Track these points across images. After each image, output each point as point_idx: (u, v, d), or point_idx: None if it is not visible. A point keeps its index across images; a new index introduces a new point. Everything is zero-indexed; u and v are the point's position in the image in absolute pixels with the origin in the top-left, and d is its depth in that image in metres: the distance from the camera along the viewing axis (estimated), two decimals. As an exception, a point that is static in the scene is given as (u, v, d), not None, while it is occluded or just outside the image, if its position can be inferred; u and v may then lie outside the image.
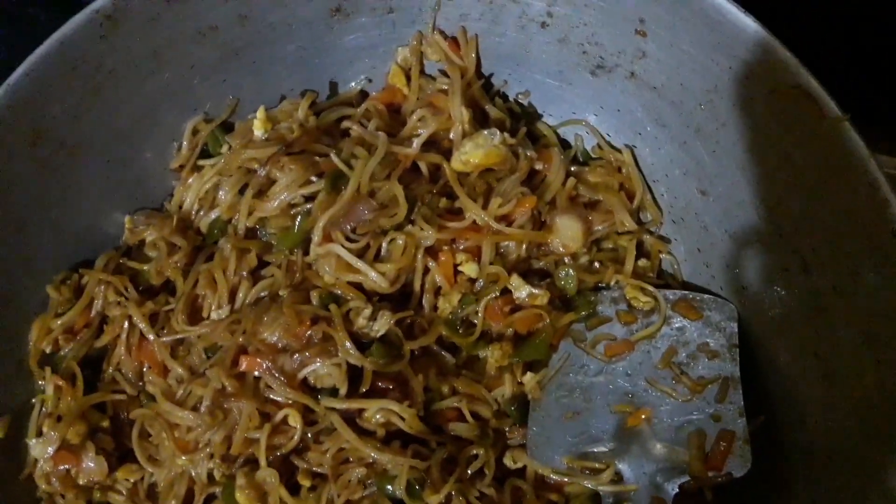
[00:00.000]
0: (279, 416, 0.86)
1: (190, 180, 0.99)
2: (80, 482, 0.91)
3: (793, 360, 0.87)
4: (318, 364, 0.86)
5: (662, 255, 1.00)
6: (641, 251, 1.00)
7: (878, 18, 1.17)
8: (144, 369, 0.95)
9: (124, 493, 0.93)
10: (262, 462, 0.84)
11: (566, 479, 0.89)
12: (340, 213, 0.88)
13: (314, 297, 0.89)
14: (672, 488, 0.85)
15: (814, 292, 0.83)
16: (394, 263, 0.88)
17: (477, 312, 0.93)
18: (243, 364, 0.86)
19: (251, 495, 0.84)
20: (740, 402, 0.88)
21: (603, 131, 1.01)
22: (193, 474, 0.89)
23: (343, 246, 0.88)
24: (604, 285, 0.98)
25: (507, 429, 0.94)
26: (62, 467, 0.89)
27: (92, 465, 0.90)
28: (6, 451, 0.91)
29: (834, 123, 0.77)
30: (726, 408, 0.88)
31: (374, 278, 0.88)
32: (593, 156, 1.03)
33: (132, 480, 0.93)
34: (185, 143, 1.00)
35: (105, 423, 0.93)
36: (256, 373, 0.87)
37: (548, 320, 0.93)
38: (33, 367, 0.93)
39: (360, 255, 0.89)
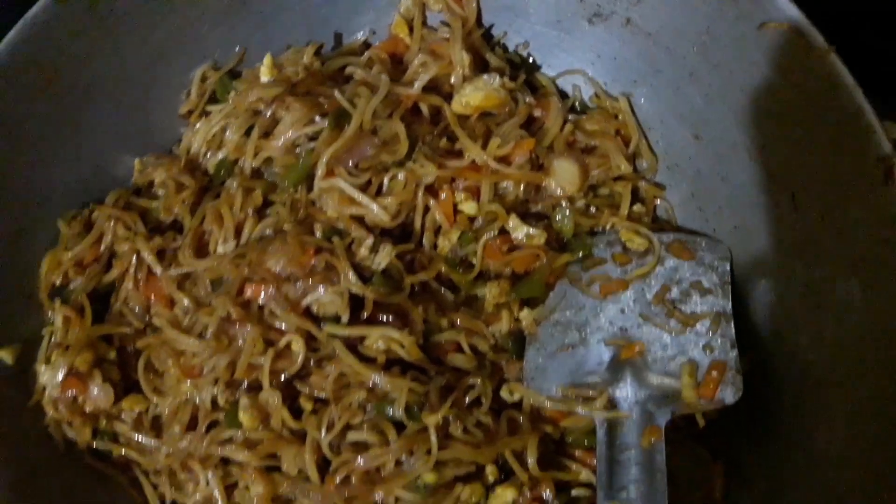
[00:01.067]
0: (283, 342, 0.88)
1: (198, 125, 1.03)
2: (87, 409, 0.93)
3: (783, 296, 0.89)
4: (321, 292, 0.88)
5: (657, 201, 1.03)
6: (637, 197, 1.03)
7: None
8: (151, 304, 0.98)
9: (129, 422, 0.95)
10: (266, 384, 0.87)
11: (561, 408, 0.90)
12: (343, 148, 0.91)
13: (318, 229, 0.92)
14: (664, 416, 0.87)
15: (803, 226, 0.86)
16: (395, 197, 0.91)
17: (476, 252, 0.96)
18: (248, 291, 0.89)
19: (254, 415, 0.87)
20: (732, 335, 0.90)
21: (600, 81, 1.04)
22: (197, 401, 0.92)
23: (345, 181, 0.91)
24: (599, 229, 1.01)
25: (503, 363, 0.96)
26: (70, 393, 0.92)
27: (98, 392, 0.93)
28: (15, 380, 0.93)
29: (820, 55, 0.79)
30: (718, 340, 0.90)
31: (376, 211, 0.91)
32: (591, 105, 1.05)
33: (136, 411, 0.95)
34: (193, 89, 1.04)
35: (111, 355, 0.96)
36: (261, 301, 0.89)
37: (544, 260, 0.96)
38: (43, 300, 0.96)
39: (363, 190, 0.92)
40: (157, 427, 0.96)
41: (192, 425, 0.92)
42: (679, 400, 0.88)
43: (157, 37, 0.99)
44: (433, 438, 0.85)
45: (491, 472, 0.89)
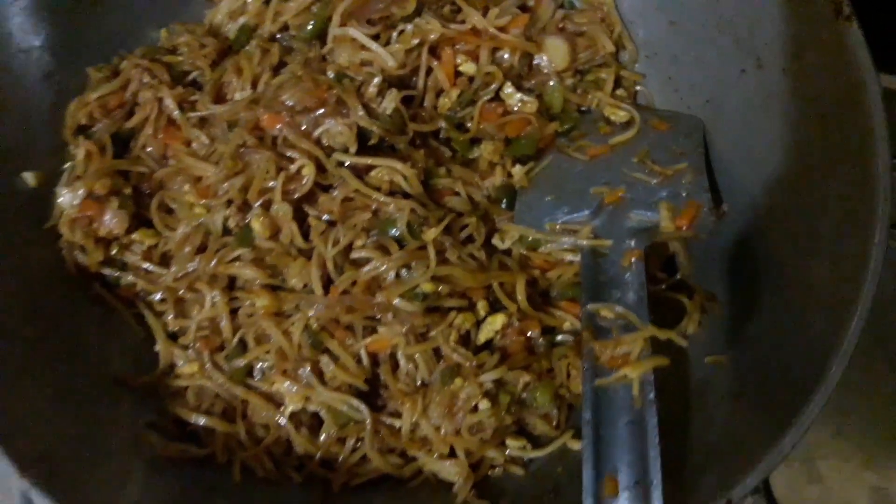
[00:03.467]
0: (294, 166, 0.95)
1: (223, 3, 1.12)
2: (100, 234, 0.98)
3: (751, 149, 0.98)
4: (332, 123, 0.96)
5: (638, 87, 1.13)
6: (619, 85, 1.13)
7: None
8: (168, 152, 1.04)
9: (138, 254, 1.00)
10: (277, 198, 0.93)
11: (549, 240, 0.98)
12: (357, 3, 1.00)
13: (330, 71, 1.00)
14: (644, 243, 0.94)
15: (768, 84, 0.95)
16: (402, 44, 1.01)
17: (472, 115, 1.05)
18: (264, 118, 0.96)
19: (265, 223, 0.93)
20: (706, 182, 0.99)
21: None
22: (209, 225, 0.97)
23: (357, 30, 1.00)
24: (585, 108, 1.11)
25: (495, 215, 1.03)
26: (86, 214, 0.97)
27: (113, 218, 0.98)
28: (35, 204, 0.99)
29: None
30: (693, 186, 0.98)
31: (384, 56, 1.00)
32: (577, 5, 1.17)
33: (147, 244, 1.00)
34: (219, -30, 1.14)
35: (127, 191, 1.01)
36: (275, 131, 0.97)
37: (535, 125, 1.05)
38: (68, 137, 1.02)
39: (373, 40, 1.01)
40: (165, 262, 1.01)
41: (201, 251, 0.98)
42: (657, 231, 0.95)
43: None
44: (431, 252, 0.91)
45: (482, 307, 0.95)
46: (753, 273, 0.95)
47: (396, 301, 0.90)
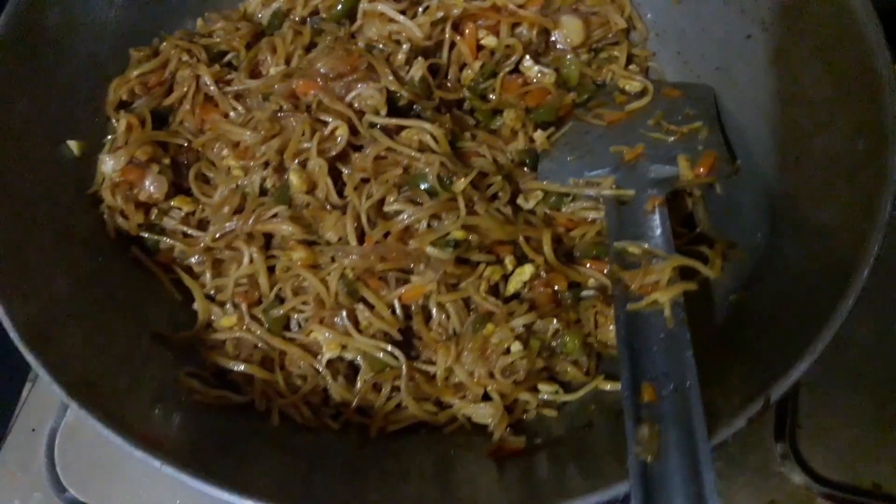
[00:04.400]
0: (328, 128, 1.00)
1: (257, -6, 1.19)
2: (141, 199, 1.02)
3: (767, 119, 1.02)
4: (363, 87, 1.01)
5: (649, 64, 1.19)
6: (631, 61, 1.19)
7: None
8: (204, 127, 1.09)
9: (177, 219, 1.04)
10: (313, 154, 0.97)
11: (573, 193, 1.02)
12: (386, -17, 1.08)
13: (360, 42, 1.06)
14: (665, 190, 0.98)
15: (773, 43, 1.01)
16: (427, 16, 1.07)
17: (494, 87, 1.11)
18: (299, 84, 1.02)
19: (303, 177, 0.97)
20: (720, 137, 1.03)
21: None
22: (247, 187, 1.01)
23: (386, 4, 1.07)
24: (601, 82, 1.17)
25: (519, 179, 1.07)
26: (127, 179, 1.01)
27: (153, 183, 1.02)
28: (77, 172, 1.03)
29: None
30: (708, 140, 1.03)
31: (411, 27, 1.06)
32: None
33: (185, 211, 1.04)
34: (252, -35, 1.21)
35: (166, 161, 1.05)
36: (309, 97, 1.02)
37: (554, 94, 1.11)
38: (110, 112, 1.07)
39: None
40: (202, 228, 1.04)
41: (238, 213, 1.02)
42: (677, 180, 1.00)
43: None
44: (461, 202, 0.95)
45: (510, 262, 0.99)
46: (772, 221, 0.98)
47: (429, 249, 0.94)
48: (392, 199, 0.97)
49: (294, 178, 0.97)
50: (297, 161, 0.99)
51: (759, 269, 0.95)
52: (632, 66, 1.18)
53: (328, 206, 0.98)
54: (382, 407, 0.95)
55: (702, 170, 0.98)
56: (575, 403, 0.95)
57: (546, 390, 0.95)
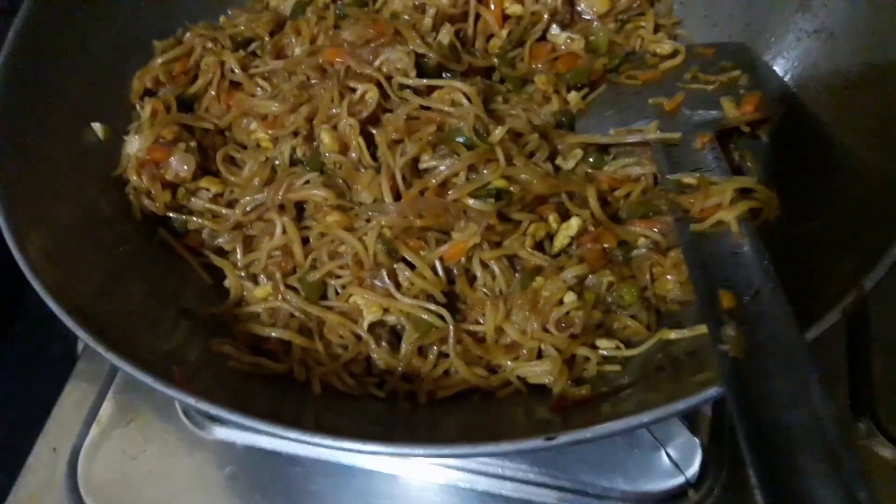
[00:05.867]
0: (358, 92, 0.97)
1: (278, -9, 1.19)
2: (167, 178, 0.98)
3: (807, 59, 1.00)
4: (391, 51, 0.99)
5: (677, 31, 1.17)
6: (658, 30, 1.17)
7: None
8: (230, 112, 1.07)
9: (204, 199, 1.00)
10: (344, 114, 0.94)
11: (616, 140, 0.97)
12: (408, -44, 1.07)
13: (386, 13, 1.05)
14: (712, 129, 0.94)
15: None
16: (453, -16, 1.06)
17: (523, 56, 1.09)
18: (326, 52, 1.00)
19: (335, 137, 0.93)
20: (762, 82, 1.00)
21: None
22: (276, 159, 0.98)
23: (411, -21, 1.06)
24: (630, 51, 1.14)
25: (556, 139, 1.03)
26: (154, 158, 0.98)
27: (180, 161, 0.98)
28: (102, 155, 1.00)
29: None
30: (751, 85, 0.99)
31: (438, -4, 1.05)
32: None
33: (213, 192, 1.00)
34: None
35: (192, 143, 1.02)
36: (337, 64, 0.99)
37: (585, 59, 1.08)
38: (135, 100, 1.06)
39: (425, -13, 1.07)
40: (231, 208, 1.00)
41: (268, 185, 0.98)
42: (723, 119, 0.95)
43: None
44: (500, 152, 0.91)
45: (554, 220, 0.94)
46: (823, 162, 0.94)
47: (469, 201, 0.89)
48: (427, 157, 0.93)
49: (325, 137, 0.93)
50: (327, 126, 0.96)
51: (819, 204, 0.90)
52: (659, 34, 1.16)
53: (361, 169, 0.94)
54: (430, 373, 0.88)
55: (748, 107, 0.94)
56: (640, 358, 0.88)
57: (606, 346, 0.88)
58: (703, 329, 0.81)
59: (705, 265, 0.74)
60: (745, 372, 0.61)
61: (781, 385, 0.59)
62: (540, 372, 0.86)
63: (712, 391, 0.62)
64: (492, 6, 1.09)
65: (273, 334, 0.88)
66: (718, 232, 0.78)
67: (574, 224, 0.93)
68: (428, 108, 0.96)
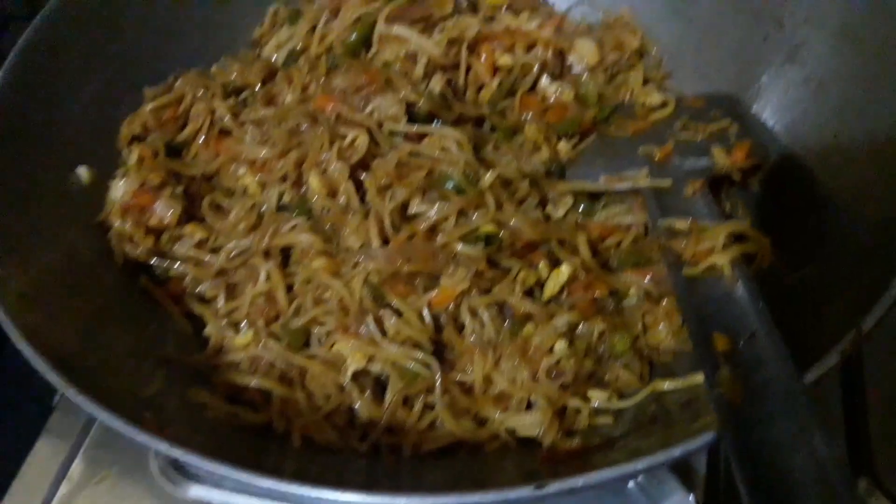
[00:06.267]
0: (348, 138, 0.96)
1: (271, 41, 1.20)
2: (152, 223, 0.96)
3: (796, 109, 1.00)
4: (382, 99, 0.99)
5: (666, 84, 1.17)
6: (648, 82, 1.17)
7: None
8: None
9: (188, 245, 0.98)
10: (333, 159, 0.93)
11: (607, 188, 0.96)
12: (399, 9, 1.08)
13: (378, 62, 1.05)
14: (703, 176, 0.93)
15: (791, 37, 1.01)
16: (444, 35, 1.06)
17: (513, 106, 1.09)
18: (317, 99, 0.99)
19: (323, 180, 0.92)
20: (752, 132, 0.99)
21: (603, 4, 1.24)
22: (264, 204, 0.97)
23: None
24: (620, 104, 1.14)
25: (546, 187, 1.02)
26: (138, 203, 0.96)
27: (165, 206, 0.97)
28: (86, 200, 0.98)
29: None
30: (741, 135, 0.99)
31: (428, 45, 1.05)
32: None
33: (198, 238, 0.98)
34: (266, 20, 1.23)
35: (179, 190, 1.01)
36: (327, 111, 0.99)
37: (575, 110, 1.08)
38: (122, 146, 1.05)
39: (415, 37, 1.07)
40: (216, 254, 0.98)
41: (253, 231, 0.96)
42: (714, 167, 0.95)
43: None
44: (489, 197, 0.90)
45: (543, 267, 0.92)
46: (817, 210, 0.93)
47: (458, 246, 0.87)
48: (416, 202, 0.92)
49: (314, 181, 0.92)
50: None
51: (813, 249, 0.88)
52: (649, 86, 1.16)
53: (350, 213, 0.93)
54: (415, 425, 0.84)
55: (739, 155, 0.94)
56: (632, 409, 0.84)
57: (598, 397, 0.85)
58: (697, 379, 0.79)
59: (698, 308, 0.72)
60: (743, 416, 0.58)
61: (781, 428, 0.56)
62: (530, 423, 0.82)
63: (709, 436, 0.58)
64: (483, 57, 1.09)
65: (253, 383, 0.85)
66: (711, 276, 0.76)
67: (564, 271, 0.91)
68: (418, 154, 0.95)
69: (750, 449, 0.55)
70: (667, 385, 0.83)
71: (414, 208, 0.91)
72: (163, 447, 0.62)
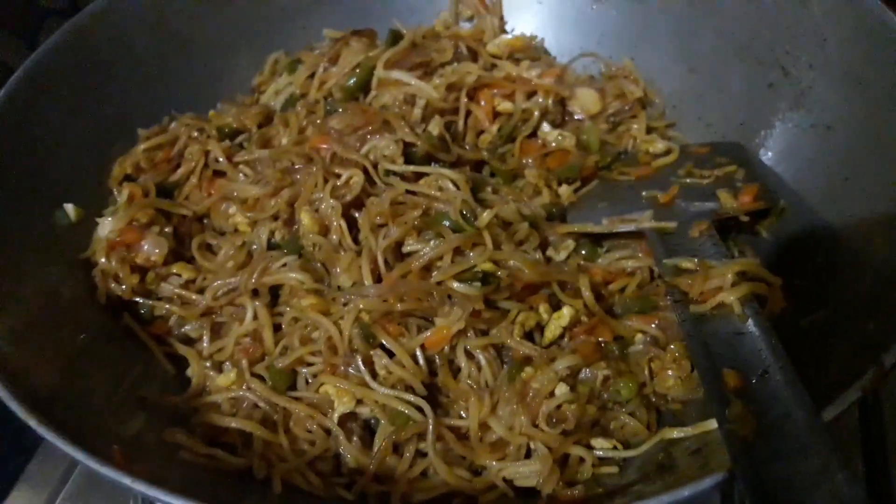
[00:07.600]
0: (343, 177, 0.94)
1: (270, 87, 1.19)
2: (138, 261, 0.93)
3: (803, 156, 0.98)
4: (379, 139, 0.97)
5: (670, 133, 1.15)
6: (651, 132, 1.16)
7: None
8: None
9: (175, 285, 0.94)
10: (326, 196, 0.90)
11: (607, 230, 0.93)
12: (399, 55, 1.07)
13: (376, 105, 1.04)
14: (708, 217, 0.90)
15: (797, 84, 1.00)
16: (443, 79, 1.05)
17: (513, 152, 1.07)
18: (312, 139, 0.98)
19: (315, 219, 0.89)
20: (757, 175, 0.97)
21: (606, 55, 1.23)
22: (254, 242, 0.94)
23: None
24: (622, 151, 1.12)
25: (546, 230, 0.98)
26: (124, 241, 0.93)
27: (152, 245, 0.94)
28: (71, 237, 0.96)
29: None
30: (747, 179, 0.96)
31: (427, 88, 1.03)
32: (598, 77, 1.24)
33: (185, 278, 0.95)
34: (266, 68, 1.23)
35: (168, 229, 0.98)
36: (323, 150, 0.97)
37: (576, 155, 1.06)
38: (113, 185, 1.03)
39: (413, 82, 1.06)
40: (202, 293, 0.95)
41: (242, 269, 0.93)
42: (720, 209, 0.92)
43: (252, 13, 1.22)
44: (487, 236, 0.87)
45: (544, 310, 0.88)
46: (825, 256, 0.89)
47: (454, 284, 0.83)
48: (411, 241, 0.89)
49: (305, 219, 0.89)
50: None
51: (825, 292, 0.85)
52: (652, 135, 1.14)
53: (342, 251, 0.90)
54: (405, 474, 0.79)
55: (747, 198, 0.91)
56: (639, 458, 0.79)
57: (602, 446, 0.79)
58: (708, 426, 0.74)
59: (707, 345, 0.68)
60: (757, 452, 0.53)
61: (800, 466, 0.51)
62: (528, 473, 0.77)
63: (718, 476, 0.53)
64: (483, 103, 1.08)
65: (233, 424, 0.80)
66: (720, 313, 0.72)
67: (566, 314, 0.86)
68: (414, 193, 0.93)
69: (766, 486, 0.50)
70: (676, 433, 0.77)
71: (409, 247, 0.88)
72: (127, 481, 0.57)
